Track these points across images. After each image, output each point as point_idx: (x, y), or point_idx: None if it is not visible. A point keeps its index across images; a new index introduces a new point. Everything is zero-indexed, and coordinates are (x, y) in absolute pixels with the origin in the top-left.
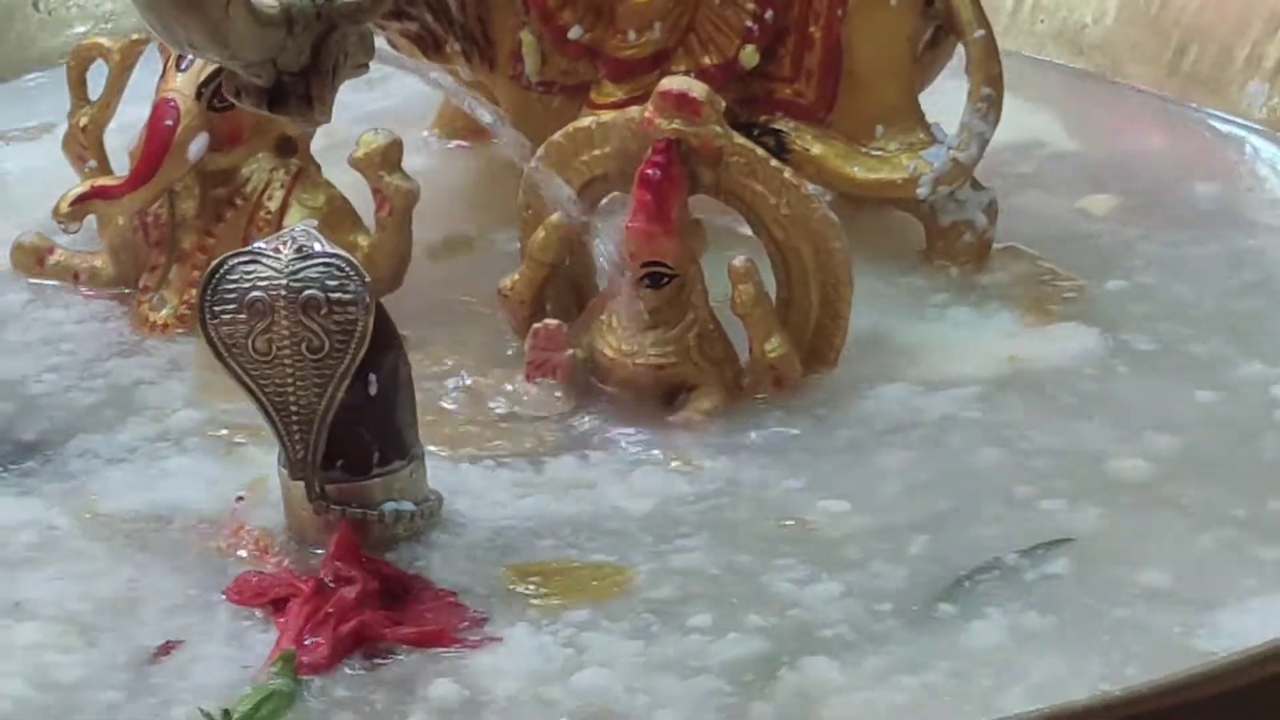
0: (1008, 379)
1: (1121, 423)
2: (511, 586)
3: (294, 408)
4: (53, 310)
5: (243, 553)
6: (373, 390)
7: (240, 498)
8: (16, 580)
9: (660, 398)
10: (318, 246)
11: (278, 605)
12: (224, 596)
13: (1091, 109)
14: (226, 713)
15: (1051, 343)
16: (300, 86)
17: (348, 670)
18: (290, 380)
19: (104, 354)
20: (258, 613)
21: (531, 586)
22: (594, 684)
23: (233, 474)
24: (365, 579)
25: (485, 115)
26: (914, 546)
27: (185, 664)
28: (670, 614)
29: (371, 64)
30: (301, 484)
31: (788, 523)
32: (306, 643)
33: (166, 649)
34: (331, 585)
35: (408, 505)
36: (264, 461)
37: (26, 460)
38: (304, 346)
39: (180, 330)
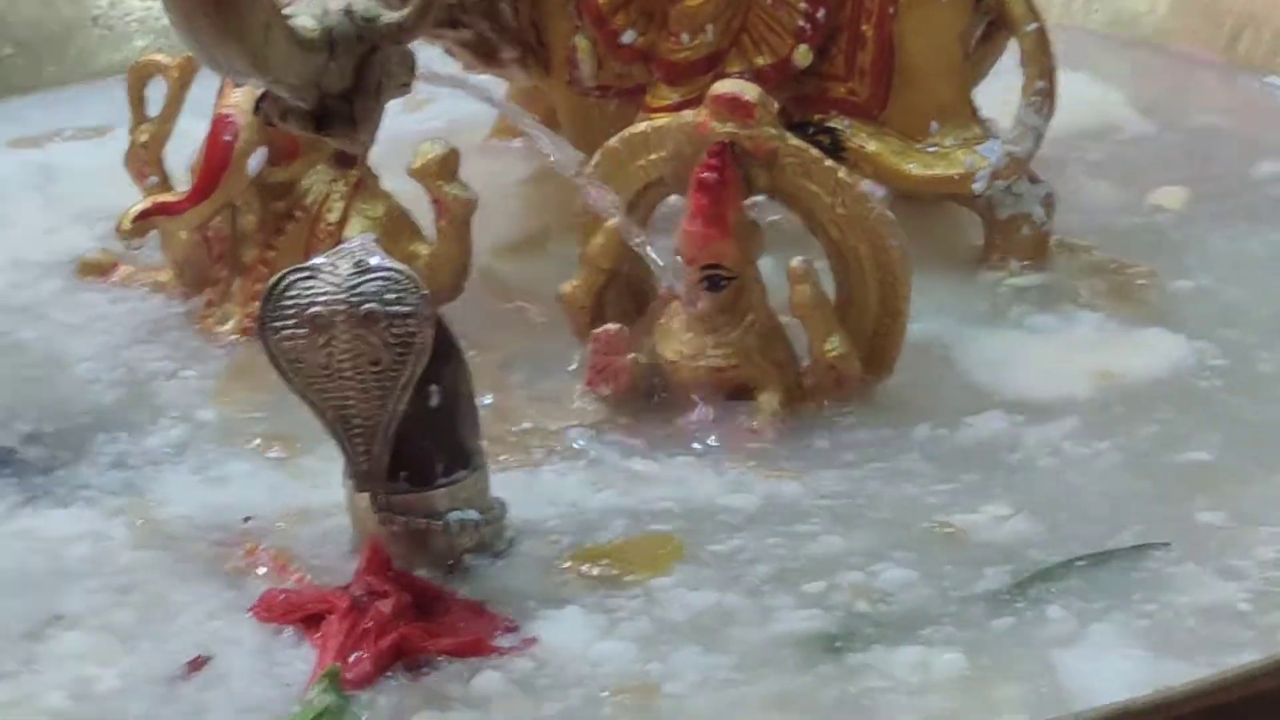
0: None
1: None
2: (585, 569)
3: (356, 420)
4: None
5: (261, 570)
6: (434, 401)
7: (248, 518)
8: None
9: (723, 400)
10: (375, 260)
11: (309, 622)
12: (250, 614)
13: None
14: None
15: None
16: (345, 108)
17: (391, 682)
18: (351, 393)
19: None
20: (284, 629)
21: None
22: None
23: (291, 485)
24: (399, 593)
25: (534, 130)
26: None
27: (216, 679)
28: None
29: (418, 83)
30: (367, 495)
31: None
32: (350, 659)
33: (198, 664)
34: (365, 600)
35: (472, 514)
36: (318, 471)
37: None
38: (364, 360)
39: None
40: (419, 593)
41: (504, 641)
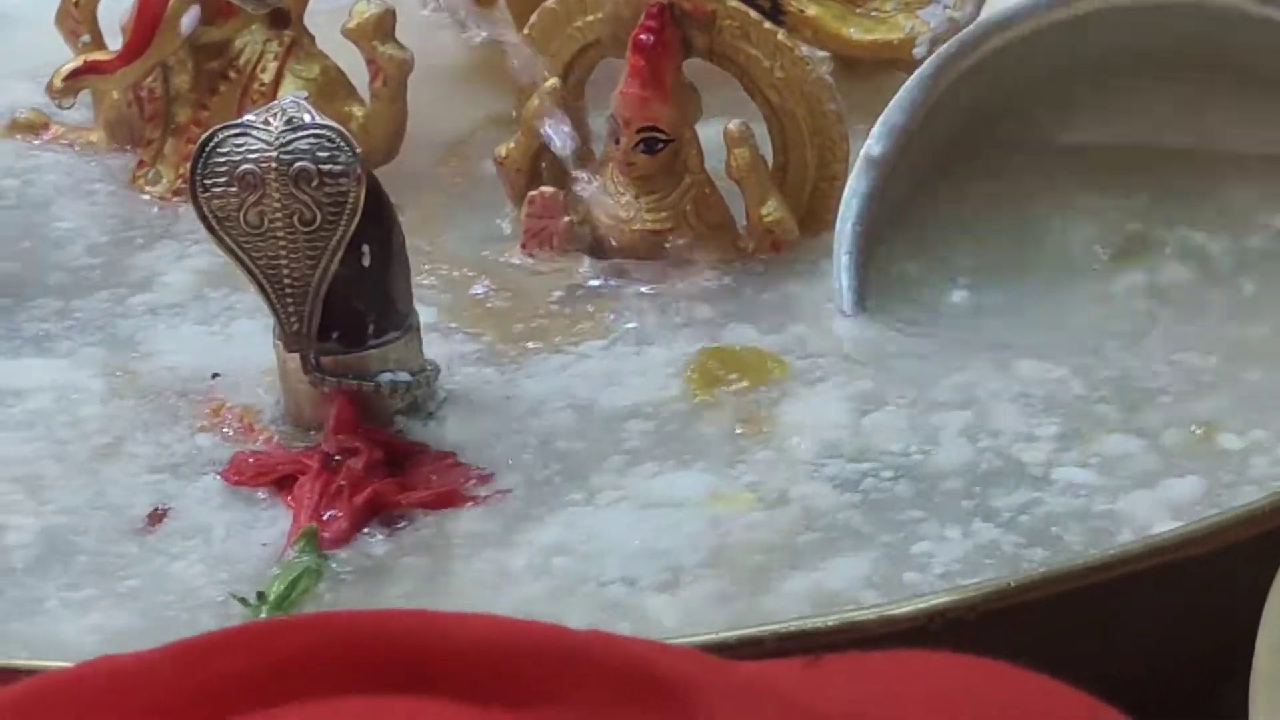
0: None
1: None
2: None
3: (287, 280)
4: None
5: (227, 430)
6: (366, 261)
7: (216, 375)
8: None
9: (657, 263)
10: (308, 118)
11: (281, 484)
12: (219, 477)
13: None
14: (261, 595)
15: None
16: None
17: (368, 539)
18: (283, 253)
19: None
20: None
21: None
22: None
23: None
24: (370, 449)
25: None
26: None
27: (188, 532)
28: None
29: None
30: (297, 357)
31: None
32: (324, 517)
33: (157, 516)
34: (337, 459)
35: (404, 376)
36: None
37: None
38: (296, 219)
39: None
40: (390, 448)
41: (478, 491)
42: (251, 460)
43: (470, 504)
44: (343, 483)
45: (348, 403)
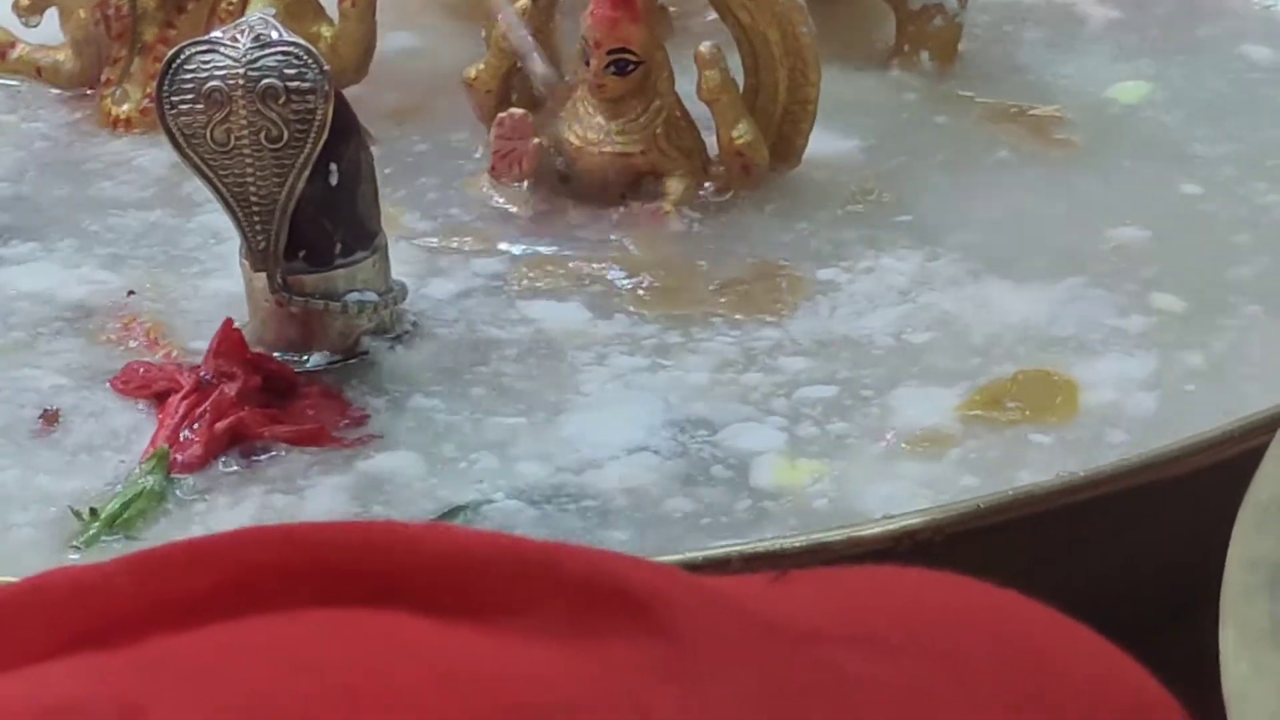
0: None
1: None
2: None
3: (254, 198)
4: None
5: (133, 343)
6: (334, 180)
7: (131, 292)
8: None
9: (626, 185)
10: (275, 35)
11: (160, 399)
12: (109, 385)
13: None
14: (94, 511)
15: None
16: None
17: (222, 468)
18: (250, 170)
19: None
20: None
21: None
22: None
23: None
24: (247, 375)
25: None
26: None
27: (67, 439)
28: None
29: None
30: (264, 276)
31: None
32: (182, 439)
33: (50, 417)
34: (210, 381)
35: (371, 296)
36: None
37: None
38: (263, 136)
39: (143, 125)
40: (272, 376)
41: (345, 434)
42: (141, 372)
43: (334, 445)
44: (207, 407)
45: (230, 326)
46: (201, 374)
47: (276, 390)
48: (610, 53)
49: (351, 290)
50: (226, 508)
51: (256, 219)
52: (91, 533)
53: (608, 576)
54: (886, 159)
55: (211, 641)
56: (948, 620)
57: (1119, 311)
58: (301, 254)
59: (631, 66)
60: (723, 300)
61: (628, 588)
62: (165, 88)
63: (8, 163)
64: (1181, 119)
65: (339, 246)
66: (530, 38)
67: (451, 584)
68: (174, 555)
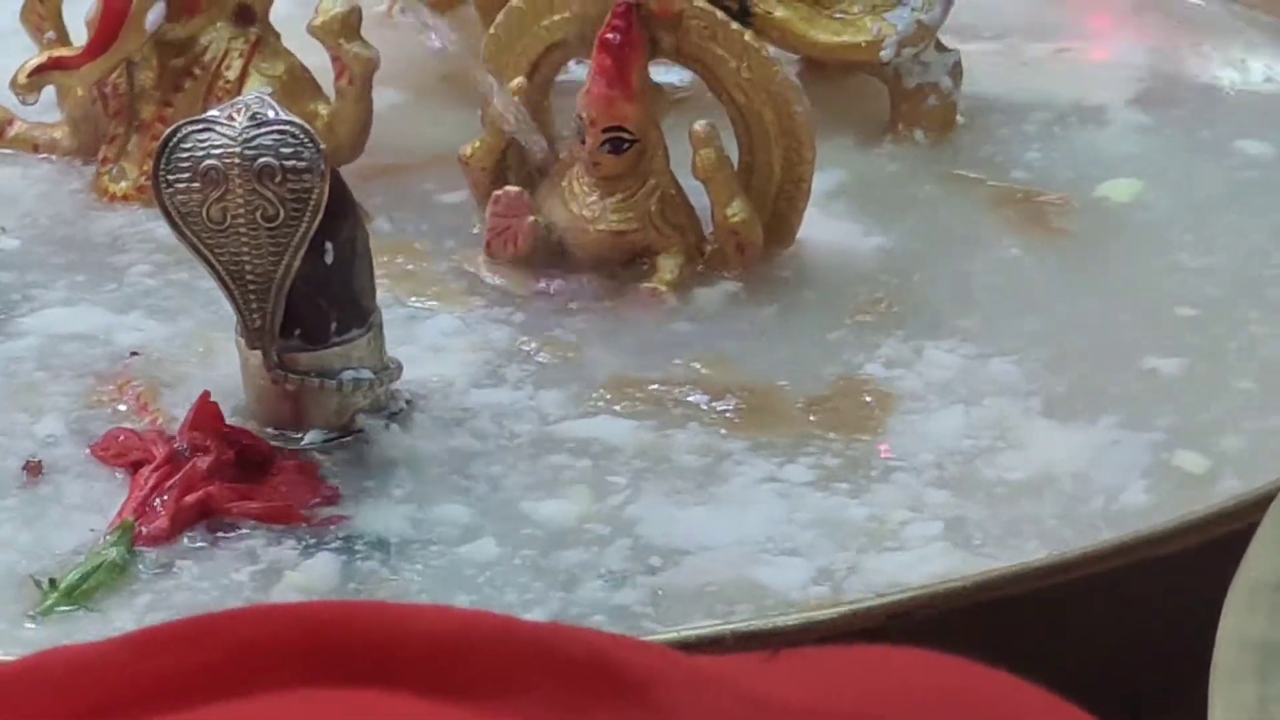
0: None
1: None
2: None
3: (250, 277)
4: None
5: (123, 406)
6: (329, 259)
7: (134, 353)
8: None
9: (622, 265)
10: (272, 114)
11: (136, 468)
12: (89, 451)
13: None
14: (53, 581)
15: None
16: None
17: (188, 543)
18: (245, 249)
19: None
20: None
21: None
22: None
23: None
24: (220, 449)
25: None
26: None
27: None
28: None
29: None
30: (259, 354)
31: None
32: (154, 509)
33: (34, 469)
34: (185, 454)
35: (366, 373)
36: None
37: None
38: (259, 215)
39: (140, 201)
40: (247, 451)
41: (315, 512)
42: (120, 439)
43: (302, 524)
44: (176, 481)
45: (206, 398)
46: (176, 445)
47: (251, 464)
48: (605, 130)
49: (346, 368)
50: (190, 583)
51: (252, 297)
52: (49, 603)
53: (600, 656)
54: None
55: None
56: (939, 700)
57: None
58: (297, 332)
59: (626, 145)
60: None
61: (621, 668)
62: (162, 166)
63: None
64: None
65: (334, 325)
66: (525, 115)
67: (444, 663)
68: (175, 633)
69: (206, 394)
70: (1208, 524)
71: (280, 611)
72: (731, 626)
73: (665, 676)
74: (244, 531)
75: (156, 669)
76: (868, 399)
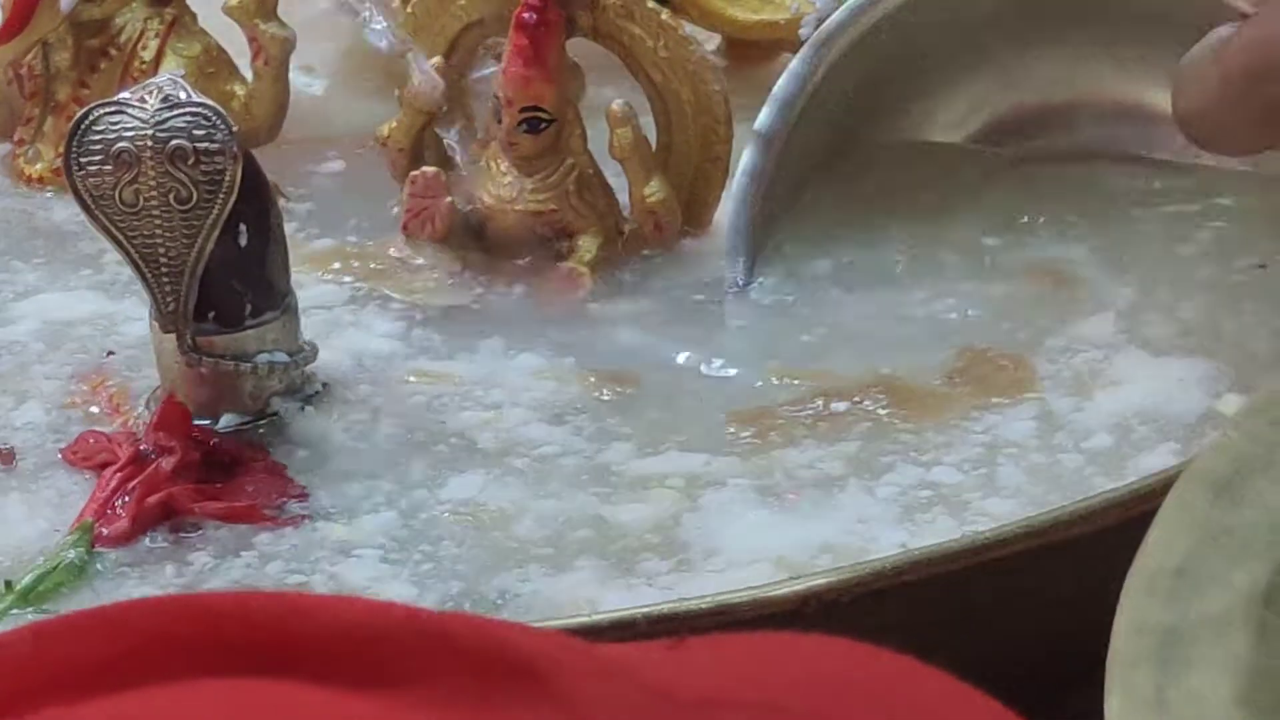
0: None
1: None
2: None
3: (163, 260)
4: None
5: (95, 409)
6: (243, 241)
7: (111, 353)
8: None
9: (540, 244)
10: (184, 96)
11: (102, 469)
12: (60, 455)
13: None
14: (9, 583)
15: None
16: None
17: (149, 544)
18: (159, 232)
19: None
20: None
21: None
22: None
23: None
24: (186, 450)
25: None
26: None
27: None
28: None
29: None
30: (173, 337)
31: None
32: (115, 511)
33: (5, 457)
34: (150, 455)
35: (281, 356)
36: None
37: None
38: (171, 197)
39: (56, 184)
40: (214, 452)
41: (282, 510)
42: (91, 442)
43: (265, 522)
44: (139, 482)
45: (172, 400)
46: (140, 447)
47: (218, 465)
48: (522, 110)
49: (262, 351)
50: (149, 583)
51: (166, 280)
52: (3, 606)
53: (503, 647)
54: None
55: (107, 712)
56: (843, 688)
57: None
58: (211, 315)
59: (544, 125)
60: None
61: (524, 657)
62: (74, 149)
63: None
64: None
65: (249, 307)
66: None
67: (349, 654)
68: (75, 623)
69: (172, 394)
70: (1110, 508)
71: (180, 602)
72: (644, 610)
73: (570, 665)
74: (206, 533)
75: (57, 660)
76: None
